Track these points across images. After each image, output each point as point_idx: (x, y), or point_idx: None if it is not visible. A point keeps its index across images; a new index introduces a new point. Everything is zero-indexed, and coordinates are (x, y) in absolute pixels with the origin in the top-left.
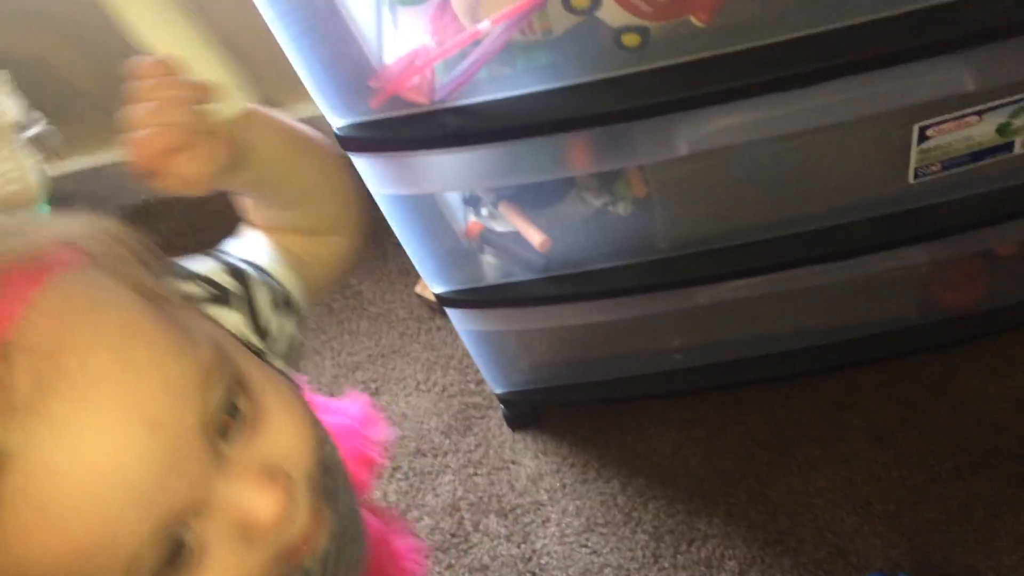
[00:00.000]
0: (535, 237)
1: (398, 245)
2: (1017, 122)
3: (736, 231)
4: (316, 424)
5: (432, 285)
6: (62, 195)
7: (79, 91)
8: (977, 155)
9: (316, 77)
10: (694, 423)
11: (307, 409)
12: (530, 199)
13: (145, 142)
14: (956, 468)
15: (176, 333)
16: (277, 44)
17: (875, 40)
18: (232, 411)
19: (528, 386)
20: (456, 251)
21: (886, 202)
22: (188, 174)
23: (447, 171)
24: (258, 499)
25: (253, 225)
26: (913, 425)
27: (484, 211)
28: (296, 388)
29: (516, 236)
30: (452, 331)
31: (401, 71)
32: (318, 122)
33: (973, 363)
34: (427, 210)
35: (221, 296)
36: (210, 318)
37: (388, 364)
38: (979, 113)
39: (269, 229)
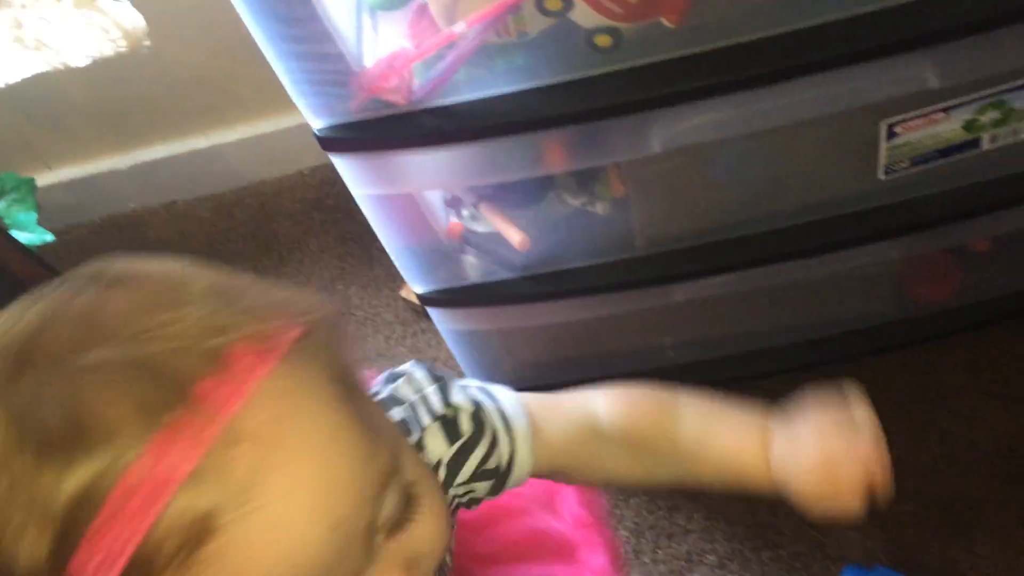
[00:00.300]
0: (514, 236)
1: (383, 250)
2: (983, 119)
3: (711, 229)
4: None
5: (414, 285)
6: (52, 205)
7: (71, 103)
8: (945, 151)
9: (296, 79)
10: None
11: (446, 505)
12: (510, 199)
13: None
14: (933, 462)
15: (367, 437)
16: (258, 51)
17: (841, 38)
18: (398, 514)
19: (512, 387)
20: (438, 251)
21: (858, 199)
22: None
23: (426, 170)
24: None
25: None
26: (891, 420)
27: (465, 212)
28: (439, 483)
29: (496, 236)
30: (437, 334)
31: (380, 73)
32: (301, 130)
33: (950, 358)
34: (408, 210)
35: (449, 424)
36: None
37: (374, 368)
38: (945, 110)
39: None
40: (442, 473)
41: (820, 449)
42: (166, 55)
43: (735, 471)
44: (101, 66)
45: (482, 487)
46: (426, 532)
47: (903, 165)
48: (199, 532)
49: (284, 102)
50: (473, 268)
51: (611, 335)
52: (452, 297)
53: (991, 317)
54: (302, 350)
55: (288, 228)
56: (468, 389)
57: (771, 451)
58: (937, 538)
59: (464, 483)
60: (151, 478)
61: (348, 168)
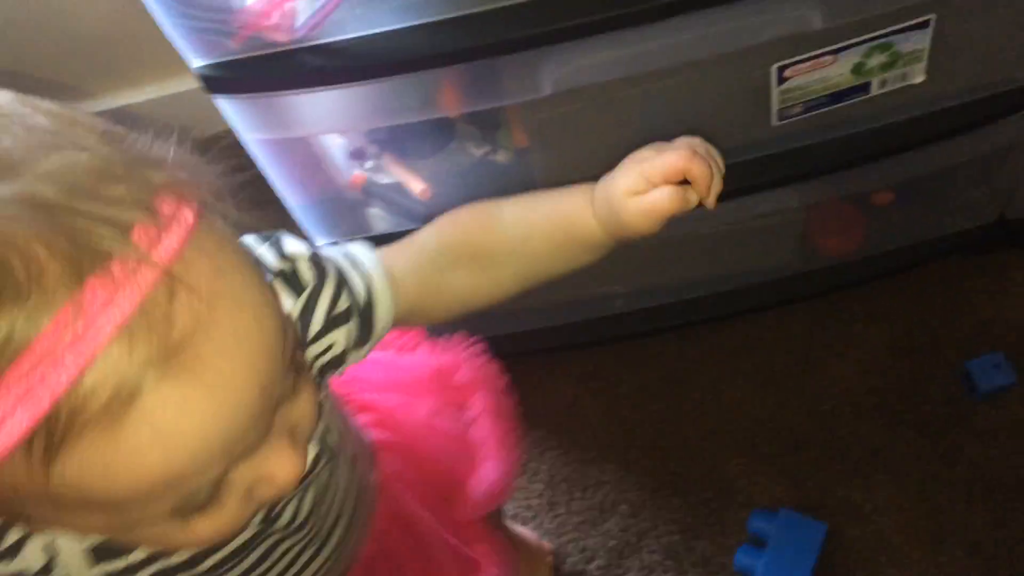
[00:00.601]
0: (416, 186)
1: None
2: (871, 62)
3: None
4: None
5: (317, 236)
6: None
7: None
8: (836, 96)
9: (175, 19)
10: (590, 375)
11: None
12: (413, 150)
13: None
14: (836, 409)
15: (279, 307)
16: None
17: None
18: (290, 385)
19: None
20: (341, 202)
21: (754, 145)
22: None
23: (315, 113)
24: (281, 462)
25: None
26: (798, 370)
27: (369, 163)
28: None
29: (400, 187)
30: None
31: (261, 9)
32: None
33: (854, 309)
34: (307, 161)
35: (290, 278)
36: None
37: None
38: (833, 53)
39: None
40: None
41: (631, 159)
42: (66, 13)
43: (563, 227)
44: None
45: (342, 336)
46: (305, 403)
47: (796, 110)
48: (131, 387)
49: (165, 57)
50: (378, 219)
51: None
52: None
53: (893, 268)
54: (212, 210)
55: None
56: (302, 242)
57: (592, 193)
58: (839, 482)
59: (319, 335)
60: (82, 325)
61: (235, 112)
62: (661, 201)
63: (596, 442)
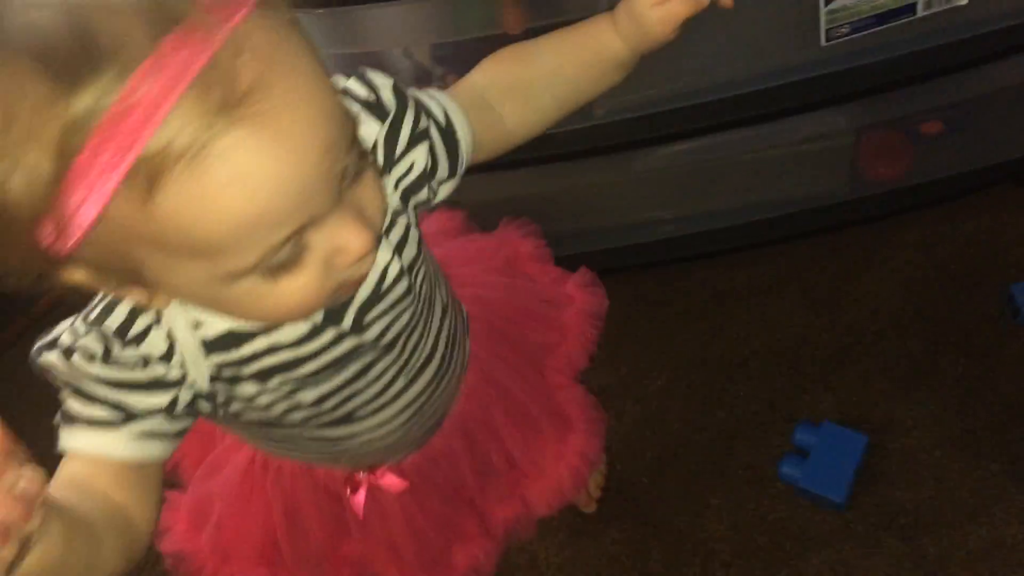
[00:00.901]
0: None
1: None
2: None
3: (665, 97)
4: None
5: None
6: None
7: None
8: (882, 17)
9: None
10: (641, 297)
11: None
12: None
13: None
14: (881, 330)
15: (335, 89)
16: None
17: None
18: (355, 168)
19: None
20: None
21: (802, 66)
22: None
23: (382, 27)
24: (351, 232)
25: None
26: (845, 292)
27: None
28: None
29: None
30: None
31: None
32: None
33: (902, 236)
34: None
35: (374, 106)
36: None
37: None
38: None
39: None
40: (380, 154)
41: None
42: None
43: (592, 48)
44: None
45: (422, 155)
46: (372, 195)
47: (843, 31)
48: (206, 131)
49: None
50: None
51: (572, 214)
52: None
53: (941, 197)
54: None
55: None
56: (384, 74)
57: (613, 15)
58: (881, 398)
59: (403, 154)
60: (162, 77)
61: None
62: (677, 5)
63: (645, 358)
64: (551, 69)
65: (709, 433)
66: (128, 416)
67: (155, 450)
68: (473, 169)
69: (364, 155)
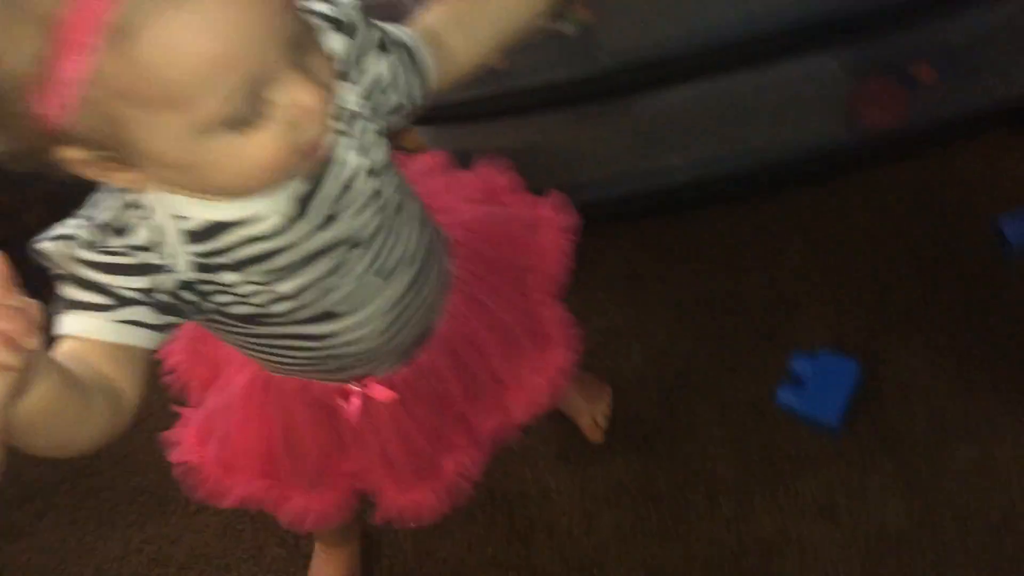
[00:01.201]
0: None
1: None
2: None
3: (666, 41)
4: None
5: None
6: None
7: None
8: None
9: None
10: (642, 244)
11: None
12: None
13: None
14: (877, 267)
15: None
16: None
17: None
18: (311, 49)
19: None
20: None
21: (796, 10)
22: None
23: None
24: (305, 90)
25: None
26: (841, 233)
27: None
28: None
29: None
30: None
31: None
32: None
33: (897, 178)
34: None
35: (338, 22)
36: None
37: None
38: None
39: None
40: (344, 64)
41: None
42: None
43: None
44: None
45: (384, 65)
46: (319, 60)
47: None
48: None
49: None
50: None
51: (581, 164)
52: (438, 115)
53: (936, 142)
54: None
55: None
56: None
57: None
58: (876, 329)
59: (365, 65)
60: None
61: None
62: None
63: (649, 300)
64: (489, 2)
65: (711, 367)
66: (117, 301)
67: (139, 338)
68: (479, 116)
69: (310, 30)
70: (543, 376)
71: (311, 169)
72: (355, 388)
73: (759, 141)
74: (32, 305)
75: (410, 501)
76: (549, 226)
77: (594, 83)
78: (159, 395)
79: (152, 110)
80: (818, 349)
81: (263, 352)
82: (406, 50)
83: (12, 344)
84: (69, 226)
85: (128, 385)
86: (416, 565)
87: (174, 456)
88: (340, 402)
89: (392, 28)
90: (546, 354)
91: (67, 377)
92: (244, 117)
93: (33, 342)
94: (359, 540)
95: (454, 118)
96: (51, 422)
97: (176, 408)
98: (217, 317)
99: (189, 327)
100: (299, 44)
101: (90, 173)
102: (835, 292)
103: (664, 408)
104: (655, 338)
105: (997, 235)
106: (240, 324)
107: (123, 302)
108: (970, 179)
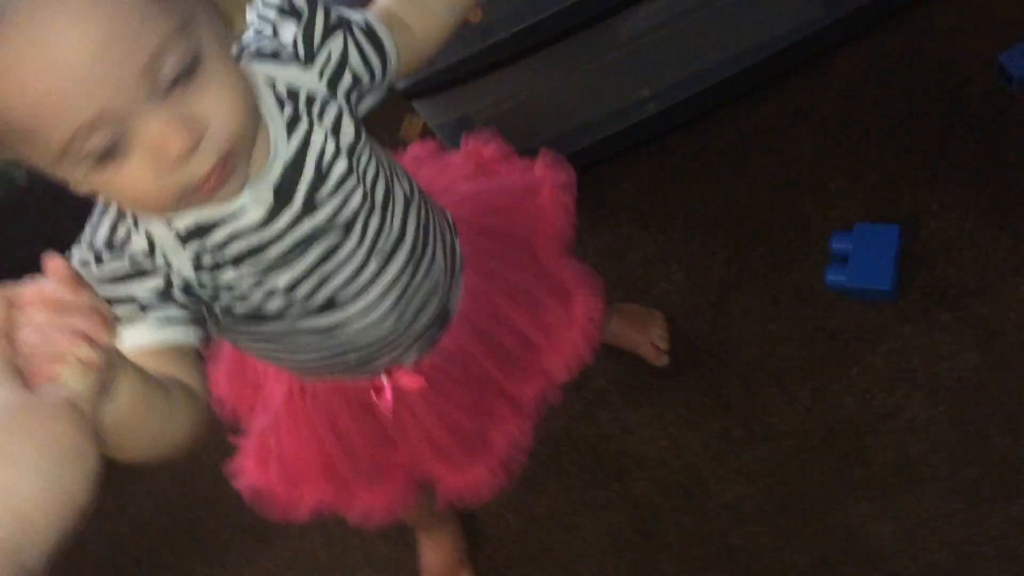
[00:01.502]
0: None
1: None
2: None
3: None
4: (251, 114)
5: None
6: None
7: None
8: None
9: None
10: (656, 171)
11: (249, 102)
12: None
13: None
14: (891, 130)
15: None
16: None
17: None
18: (185, 73)
19: None
20: None
21: None
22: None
23: None
24: (167, 134)
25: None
26: (845, 111)
27: None
28: (251, 89)
29: None
30: None
31: None
32: None
33: (888, 43)
34: None
35: (288, 9)
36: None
37: None
38: None
39: None
40: (301, 49)
41: None
42: None
43: None
44: None
45: (337, 45)
46: (212, 105)
47: None
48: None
49: None
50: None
51: (575, 103)
52: (427, 86)
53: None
54: None
55: None
56: None
57: None
58: (905, 190)
59: (321, 45)
60: None
61: None
62: None
63: (676, 222)
64: None
65: (753, 268)
66: (142, 306)
67: (178, 335)
68: (470, 77)
69: (197, 59)
70: (574, 330)
71: (230, 193)
72: (384, 382)
73: (745, 41)
74: (102, 304)
75: (467, 481)
76: (545, 186)
77: (572, 13)
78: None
79: (12, 139)
80: (853, 224)
81: (285, 355)
82: (362, 30)
83: (91, 341)
84: (74, 255)
85: (194, 380)
86: (520, 528)
87: (241, 485)
88: (374, 397)
89: (346, 10)
90: (571, 307)
91: (144, 373)
92: (106, 150)
93: (110, 339)
94: (458, 519)
95: (447, 84)
96: (140, 420)
97: (232, 439)
98: (231, 323)
99: (228, 355)
100: (165, 73)
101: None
102: (854, 167)
103: (718, 319)
104: (692, 256)
105: (999, 73)
106: (252, 325)
107: (148, 305)
108: (960, 26)
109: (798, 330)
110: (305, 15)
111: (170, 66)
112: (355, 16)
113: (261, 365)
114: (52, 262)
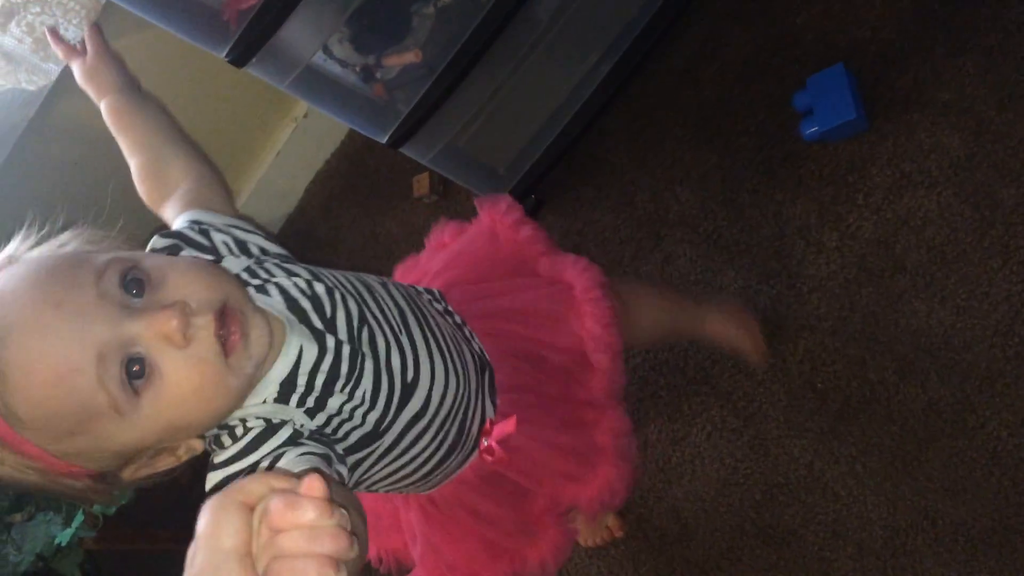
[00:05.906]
0: (411, 58)
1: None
2: None
3: None
4: (224, 280)
5: (377, 137)
6: None
7: None
8: None
9: (186, 29)
10: (636, 116)
11: (213, 273)
12: (393, 38)
13: None
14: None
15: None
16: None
17: None
18: (135, 286)
19: (516, 181)
20: (376, 108)
21: None
22: None
23: (305, 34)
24: (158, 320)
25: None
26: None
27: (377, 74)
28: (209, 264)
29: (403, 68)
30: (453, 207)
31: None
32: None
33: None
34: (331, 88)
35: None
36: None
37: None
38: None
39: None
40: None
41: None
42: None
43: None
44: None
45: (223, 241)
46: (179, 286)
47: None
48: None
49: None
50: (402, 102)
51: (547, 89)
52: (406, 128)
53: None
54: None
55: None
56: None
57: None
58: (839, 28)
59: (220, 248)
60: None
61: (263, 71)
62: None
63: (664, 150)
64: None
65: (744, 157)
66: (280, 450)
67: (318, 464)
68: (436, 106)
69: (142, 279)
70: (591, 489)
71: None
72: (486, 442)
73: None
74: (345, 516)
75: (599, 487)
76: (583, 304)
77: (489, 18)
78: None
79: (81, 430)
80: (805, 80)
81: (407, 462)
82: (208, 227)
83: (337, 564)
84: (216, 477)
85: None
86: (684, 502)
87: None
88: (488, 460)
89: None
90: (597, 470)
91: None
92: (129, 378)
93: (353, 552)
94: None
95: (420, 122)
96: None
97: None
98: (356, 458)
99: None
100: (122, 290)
101: (145, 473)
102: (787, 35)
103: (730, 213)
104: (689, 172)
105: None
106: (371, 443)
107: (281, 448)
108: None
109: (800, 188)
110: (175, 242)
111: (116, 287)
112: (183, 223)
113: (388, 509)
114: (310, 481)
